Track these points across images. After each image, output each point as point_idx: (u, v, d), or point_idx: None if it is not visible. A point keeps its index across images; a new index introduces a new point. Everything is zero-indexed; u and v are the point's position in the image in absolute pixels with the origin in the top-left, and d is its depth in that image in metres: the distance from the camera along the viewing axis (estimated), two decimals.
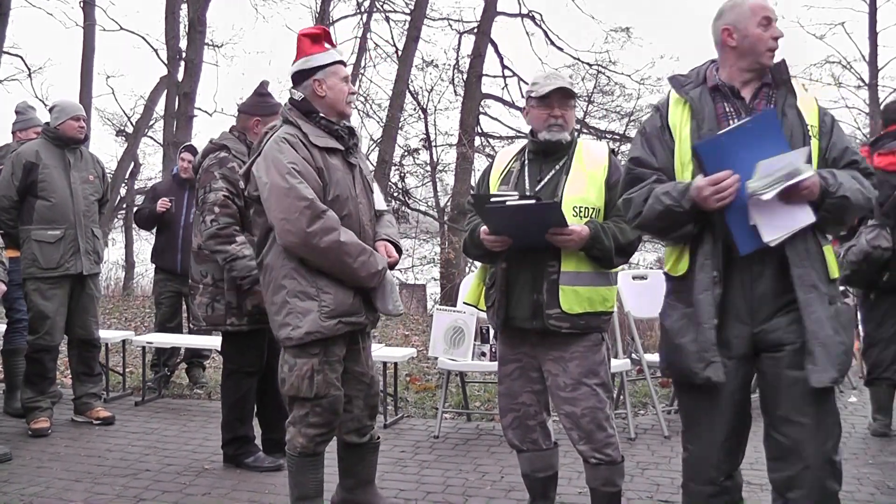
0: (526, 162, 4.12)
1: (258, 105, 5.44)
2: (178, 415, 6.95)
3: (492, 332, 4.45)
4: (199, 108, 21.21)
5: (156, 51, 22.47)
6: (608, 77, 22.33)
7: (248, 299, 5.15)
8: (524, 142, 4.24)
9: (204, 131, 34.43)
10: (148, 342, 7.51)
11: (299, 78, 4.20)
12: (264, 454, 5.47)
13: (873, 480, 5.31)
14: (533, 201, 3.78)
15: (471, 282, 4.40)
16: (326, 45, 4.26)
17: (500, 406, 4.28)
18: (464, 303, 4.26)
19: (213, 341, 7.69)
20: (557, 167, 4.09)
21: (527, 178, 4.09)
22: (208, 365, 8.48)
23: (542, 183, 4.06)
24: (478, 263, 4.36)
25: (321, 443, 4.23)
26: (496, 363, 4.41)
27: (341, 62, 4.31)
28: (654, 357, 6.68)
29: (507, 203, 3.74)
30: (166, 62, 20.19)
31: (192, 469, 5.46)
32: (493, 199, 3.79)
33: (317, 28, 4.40)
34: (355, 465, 4.48)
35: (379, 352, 6.58)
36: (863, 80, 23.18)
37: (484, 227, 3.95)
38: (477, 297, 4.25)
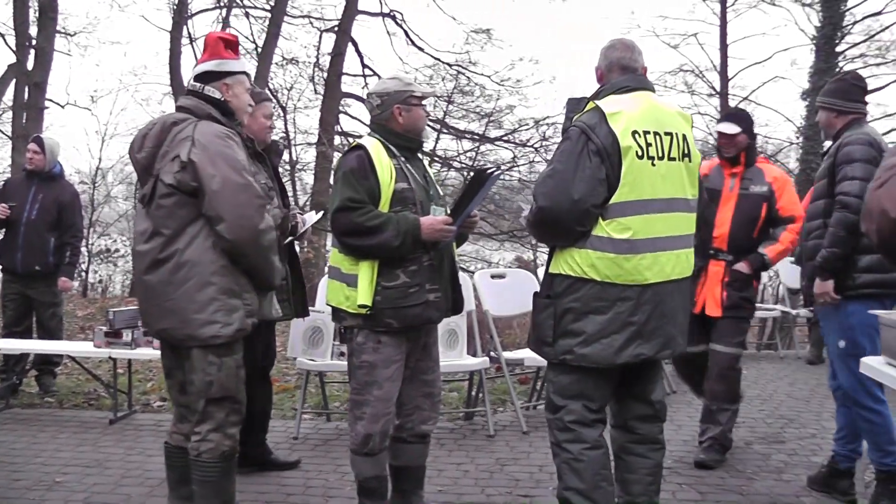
0: (404, 160, 4.24)
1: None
2: (27, 426, 6.68)
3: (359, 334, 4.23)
4: (51, 100, 20.42)
5: (2, 36, 21.47)
6: (468, 77, 22.51)
7: None
8: (373, 139, 4.25)
9: (56, 124, 33.18)
10: None
11: (208, 77, 4.15)
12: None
13: (724, 464, 5.63)
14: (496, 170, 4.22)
15: (350, 283, 4.15)
16: (234, 54, 4.27)
17: (370, 412, 4.17)
18: (359, 306, 4.06)
19: (65, 346, 7.48)
20: (421, 165, 4.39)
21: (417, 176, 4.27)
22: (59, 371, 8.19)
23: (428, 180, 4.36)
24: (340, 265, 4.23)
25: (238, 440, 4.15)
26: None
27: (247, 74, 4.32)
28: (513, 354, 6.81)
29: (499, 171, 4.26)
30: (14, 49, 19.36)
31: (43, 483, 5.25)
32: (488, 171, 4.14)
33: (231, 35, 4.38)
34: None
35: None
36: (714, 89, 24.21)
37: (443, 217, 4.14)
38: (371, 298, 4.09)
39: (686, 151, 3.78)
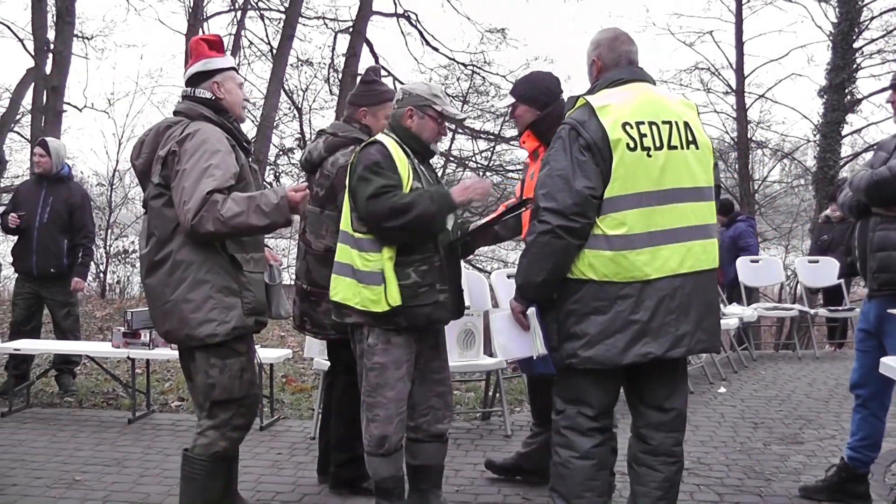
0: (417, 162, 4.25)
1: (362, 95, 5.09)
2: (47, 425, 6.74)
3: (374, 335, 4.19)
4: (69, 103, 20.47)
5: (21, 41, 21.55)
6: (483, 77, 22.62)
7: None
8: (388, 137, 4.24)
9: (74, 127, 33.36)
10: (15, 349, 7.22)
11: (198, 79, 4.16)
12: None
13: (742, 466, 5.59)
14: None
15: (363, 280, 4.07)
16: (218, 52, 4.26)
17: (384, 414, 4.16)
18: (391, 307, 4.02)
19: (83, 347, 7.53)
20: (433, 172, 4.44)
21: (431, 179, 4.32)
22: (78, 371, 8.25)
23: (444, 183, 4.46)
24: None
25: (239, 445, 4.16)
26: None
27: (235, 69, 4.32)
28: None
29: None
30: (33, 54, 19.47)
31: (63, 481, 5.29)
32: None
33: (213, 35, 4.41)
34: (230, 466, 4.36)
35: None
36: (730, 87, 24.13)
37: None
38: (399, 295, 4.04)
39: (691, 138, 3.67)
